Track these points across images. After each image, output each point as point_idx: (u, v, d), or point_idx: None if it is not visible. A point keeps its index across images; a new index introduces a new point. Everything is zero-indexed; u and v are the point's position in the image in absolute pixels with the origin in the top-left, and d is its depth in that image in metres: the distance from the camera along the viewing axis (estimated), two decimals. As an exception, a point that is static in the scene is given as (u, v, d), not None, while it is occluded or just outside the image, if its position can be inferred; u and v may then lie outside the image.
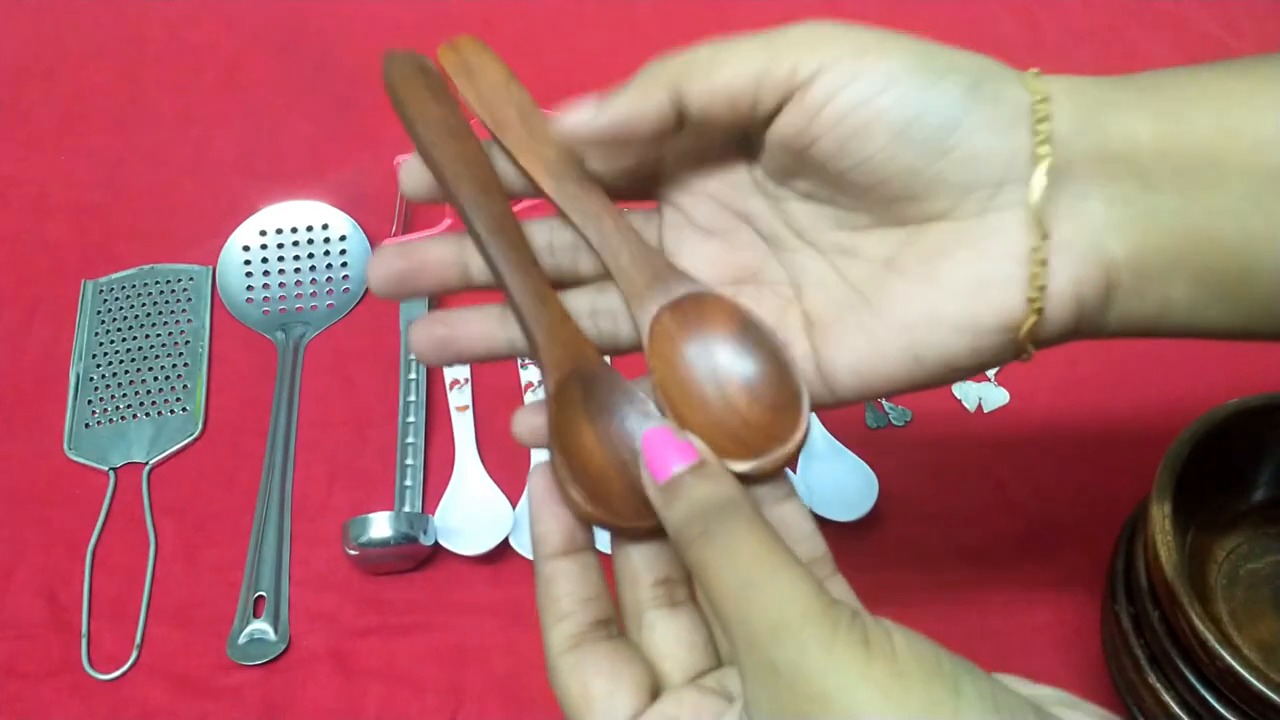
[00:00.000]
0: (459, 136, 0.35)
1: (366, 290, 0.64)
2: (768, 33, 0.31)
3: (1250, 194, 0.29)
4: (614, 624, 0.31)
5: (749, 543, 0.27)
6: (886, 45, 0.30)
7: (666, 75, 0.31)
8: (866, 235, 0.33)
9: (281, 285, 0.65)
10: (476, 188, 0.34)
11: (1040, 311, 0.30)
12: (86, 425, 0.59)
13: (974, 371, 0.32)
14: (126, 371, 0.61)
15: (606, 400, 0.33)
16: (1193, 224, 0.29)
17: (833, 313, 0.33)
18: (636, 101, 0.31)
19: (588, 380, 0.33)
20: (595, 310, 0.35)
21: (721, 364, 0.33)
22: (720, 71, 0.30)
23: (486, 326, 0.35)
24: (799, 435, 0.31)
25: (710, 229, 0.35)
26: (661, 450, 0.29)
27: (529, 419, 0.33)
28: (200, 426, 0.59)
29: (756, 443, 0.31)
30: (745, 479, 0.30)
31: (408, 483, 0.56)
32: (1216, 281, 0.30)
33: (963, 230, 0.31)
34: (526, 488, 0.32)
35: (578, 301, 0.35)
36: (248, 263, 0.65)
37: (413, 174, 0.35)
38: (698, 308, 0.33)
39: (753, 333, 0.33)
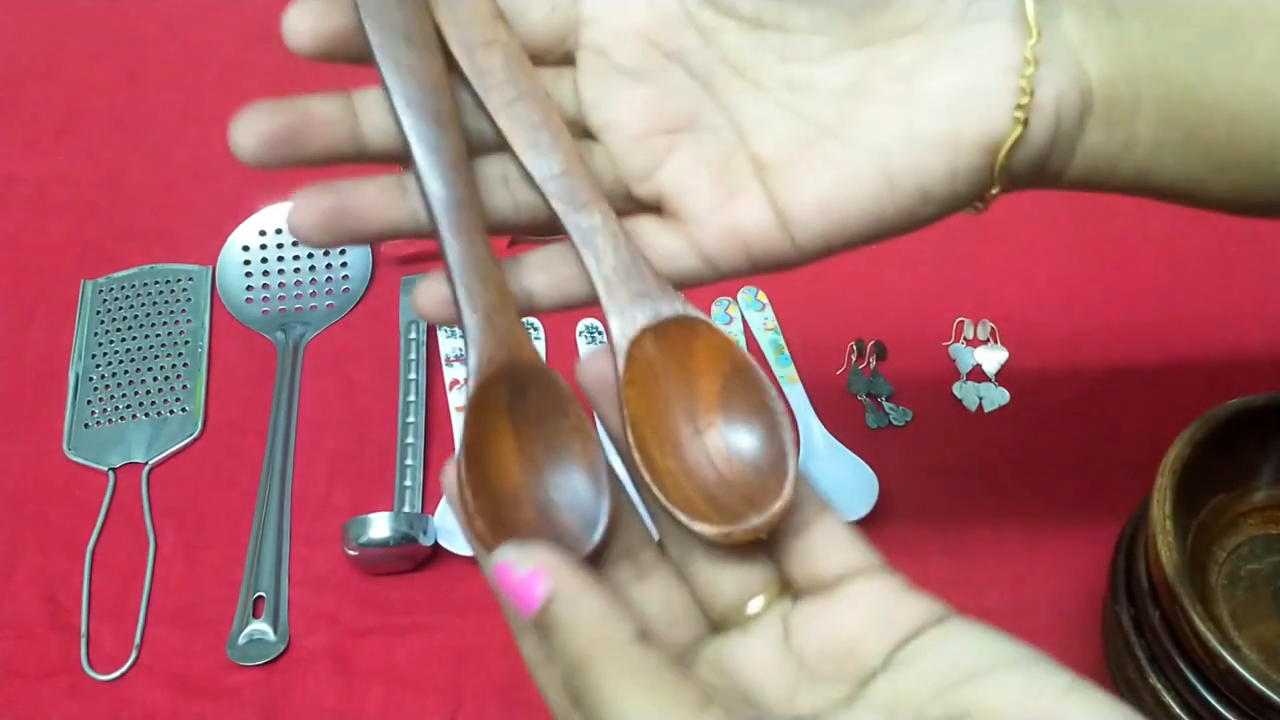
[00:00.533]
0: (418, 49, 0.29)
1: (366, 290, 0.64)
2: None
3: (1209, 32, 0.29)
4: None
5: (626, 688, 0.23)
6: None
7: None
8: (820, 65, 0.30)
9: (281, 285, 0.65)
10: (430, 121, 0.29)
11: (1025, 124, 0.29)
12: (86, 425, 0.59)
13: (945, 205, 0.30)
14: (126, 371, 0.61)
15: (538, 408, 0.29)
16: (1156, 56, 0.29)
17: (790, 149, 0.30)
18: None
19: (518, 381, 0.29)
20: (508, 178, 0.31)
21: (704, 409, 0.29)
22: None
23: (386, 196, 0.30)
24: (779, 505, 0.28)
25: (636, 71, 0.31)
26: (515, 587, 0.25)
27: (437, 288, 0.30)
28: (200, 427, 0.59)
29: (731, 504, 0.28)
30: (714, 543, 0.28)
31: (407, 483, 0.56)
32: (1177, 121, 0.29)
33: (939, 44, 0.29)
34: (443, 484, 0.28)
35: (490, 169, 0.31)
36: (247, 263, 0.65)
37: (307, 15, 0.29)
38: (686, 336, 0.30)
39: (745, 378, 0.29)
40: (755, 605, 0.29)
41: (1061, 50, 0.29)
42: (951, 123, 0.29)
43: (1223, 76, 0.29)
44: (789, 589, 0.29)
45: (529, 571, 0.25)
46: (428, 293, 0.30)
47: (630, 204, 0.32)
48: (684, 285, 0.31)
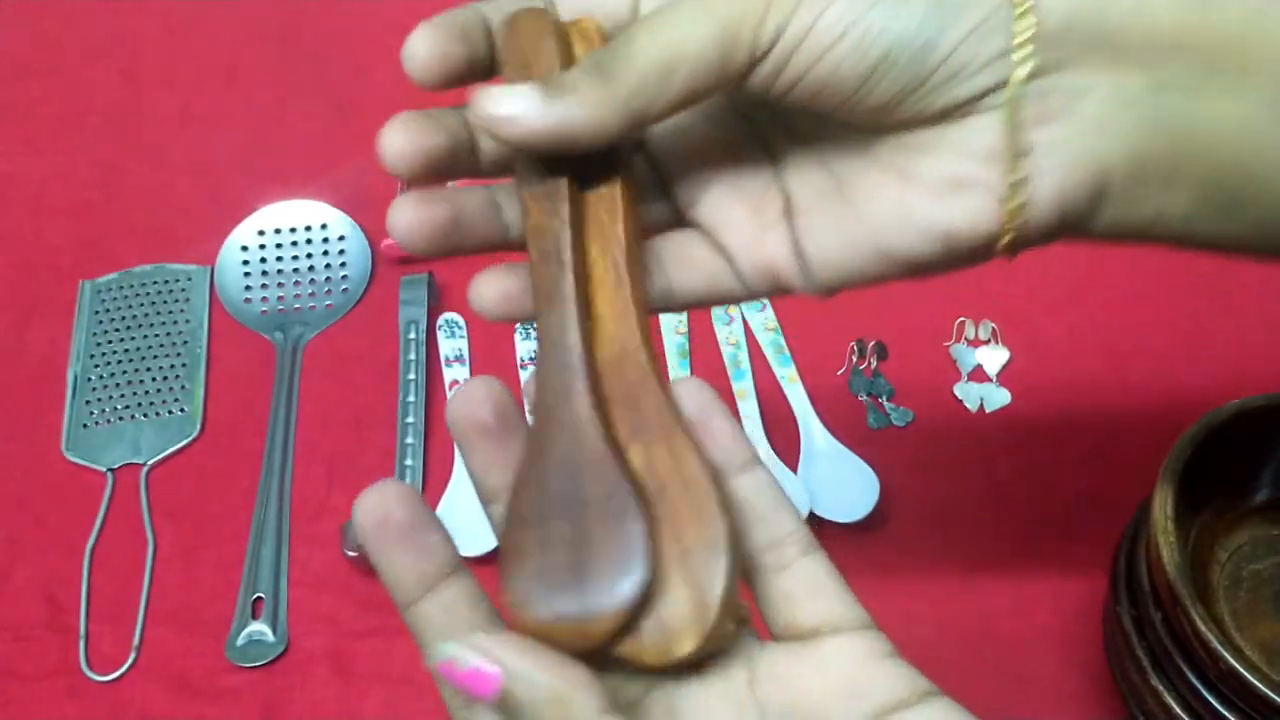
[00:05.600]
0: None
1: (366, 290, 0.64)
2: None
3: (1271, 102, 0.27)
4: None
5: None
6: None
7: (621, 85, 0.27)
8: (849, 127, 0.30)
9: (280, 285, 0.65)
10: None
11: (1019, 228, 0.28)
12: (84, 426, 0.59)
13: (951, 269, 0.30)
14: (125, 372, 0.61)
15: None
16: (1201, 130, 0.27)
17: (809, 199, 0.31)
18: (589, 114, 0.27)
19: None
20: None
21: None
22: (676, 78, 0.27)
23: (484, 211, 0.30)
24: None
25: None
26: (464, 679, 0.24)
27: (497, 282, 0.30)
28: (198, 427, 0.59)
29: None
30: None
31: (407, 483, 0.56)
32: (1219, 195, 0.28)
33: (943, 130, 0.28)
34: (355, 516, 0.27)
35: None
36: (246, 263, 0.65)
37: (426, 42, 0.28)
38: None
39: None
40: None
41: (1074, 138, 0.27)
42: (942, 211, 0.28)
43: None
44: (745, 624, 0.28)
45: (471, 664, 0.24)
46: (490, 284, 0.30)
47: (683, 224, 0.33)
48: (727, 302, 0.33)
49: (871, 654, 0.27)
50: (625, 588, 0.25)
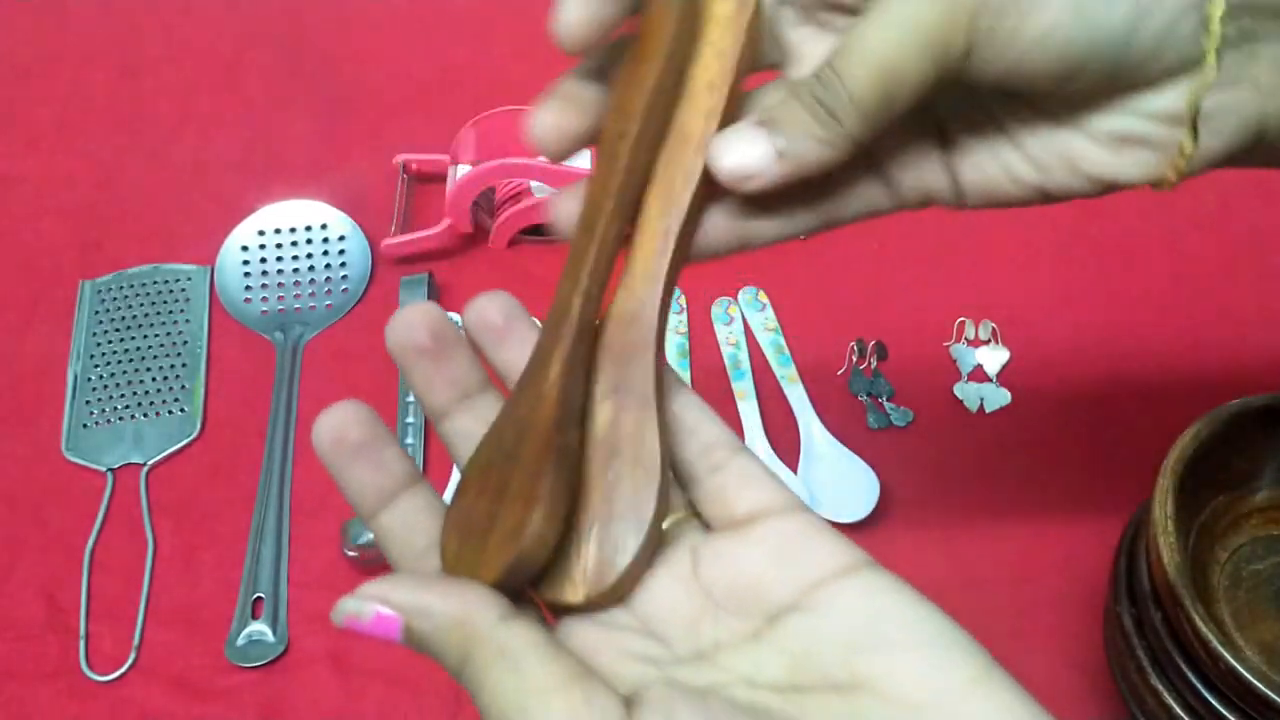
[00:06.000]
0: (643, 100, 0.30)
1: (365, 290, 0.64)
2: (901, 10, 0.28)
3: None
4: None
5: (496, 673, 0.24)
6: None
7: (848, 123, 0.28)
8: None
9: (280, 285, 0.65)
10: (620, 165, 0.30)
11: (1183, 174, 0.30)
12: (84, 426, 0.59)
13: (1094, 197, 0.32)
14: (124, 372, 0.61)
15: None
16: None
17: (967, 138, 0.32)
18: (815, 146, 0.29)
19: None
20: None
21: None
22: (898, 102, 0.28)
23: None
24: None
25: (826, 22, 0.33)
26: (370, 631, 0.25)
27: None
28: (198, 427, 0.59)
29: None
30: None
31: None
32: None
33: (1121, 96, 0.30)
34: (313, 437, 0.29)
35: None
36: (246, 263, 0.65)
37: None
38: None
39: None
40: (663, 525, 0.29)
41: (1245, 102, 0.29)
42: (1114, 164, 0.30)
43: None
44: (697, 514, 0.30)
45: (372, 614, 0.25)
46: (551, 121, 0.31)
47: None
48: (876, 216, 0.33)
49: (806, 529, 0.28)
50: (507, 555, 0.27)
